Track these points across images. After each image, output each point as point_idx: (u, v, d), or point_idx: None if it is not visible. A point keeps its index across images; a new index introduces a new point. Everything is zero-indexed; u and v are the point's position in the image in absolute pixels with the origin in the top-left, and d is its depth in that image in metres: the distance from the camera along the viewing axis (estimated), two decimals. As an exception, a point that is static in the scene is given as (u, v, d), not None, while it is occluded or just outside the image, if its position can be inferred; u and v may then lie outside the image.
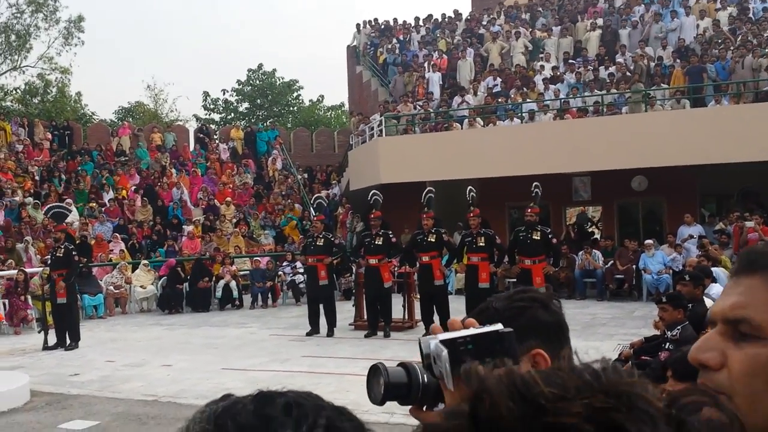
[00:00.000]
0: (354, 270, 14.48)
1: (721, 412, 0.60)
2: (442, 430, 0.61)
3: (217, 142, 25.43)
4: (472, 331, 1.01)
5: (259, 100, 38.08)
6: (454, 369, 0.97)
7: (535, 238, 11.17)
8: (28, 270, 14.69)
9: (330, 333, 11.97)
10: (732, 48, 17.36)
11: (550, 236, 11.37)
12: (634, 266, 14.99)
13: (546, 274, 11.11)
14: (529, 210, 11.38)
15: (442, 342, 0.99)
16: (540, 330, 1.34)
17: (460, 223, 18.72)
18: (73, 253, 11.75)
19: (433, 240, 11.67)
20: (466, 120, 18.70)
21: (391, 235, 12.18)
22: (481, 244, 11.29)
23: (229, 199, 20.89)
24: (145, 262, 16.69)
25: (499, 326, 1.02)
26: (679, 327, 6.05)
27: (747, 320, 0.90)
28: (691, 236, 15.01)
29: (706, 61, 17.45)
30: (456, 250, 12.22)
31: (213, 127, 31.37)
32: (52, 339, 11.62)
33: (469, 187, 11.87)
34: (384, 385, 1.11)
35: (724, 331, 0.93)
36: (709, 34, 18.85)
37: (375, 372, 1.14)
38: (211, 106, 38.35)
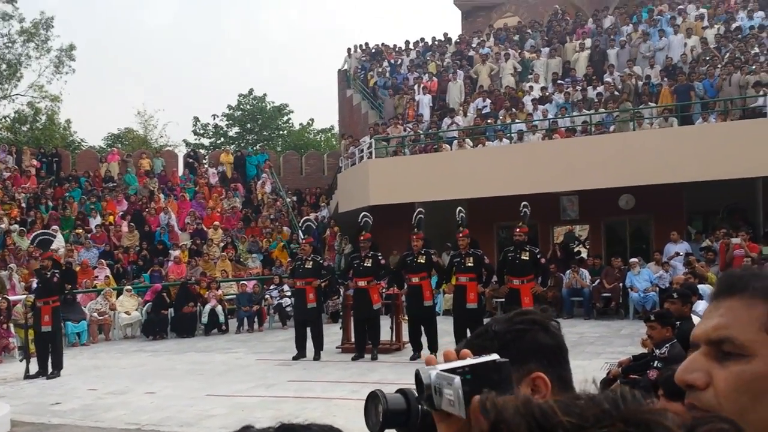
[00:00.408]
0: (342, 292, 14.34)
1: None
2: None
3: (206, 166, 25.38)
4: (469, 361, 1.00)
5: (249, 125, 38.16)
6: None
7: (524, 258, 11.10)
8: (12, 297, 14.49)
9: (317, 356, 11.82)
10: (719, 66, 17.45)
11: (538, 256, 11.31)
12: (620, 284, 14.95)
13: (534, 294, 11.00)
14: (517, 230, 11.31)
15: (445, 372, 0.98)
16: (540, 353, 1.32)
17: (449, 244, 18.66)
18: (55, 279, 11.60)
19: (422, 261, 11.60)
20: (456, 141, 18.71)
21: (380, 257, 12.11)
22: (469, 264, 11.19)
23: (216, 223, 20.77)
24: (128, 287, 16.51)
25: (495, 356, 1.01)
26: (667, 345, 5.97)
27: (730, 339, 0.95)
28: (678, 254, 14.98)
29: (693, 79, 17.53)
30: (445, 271, 12.11)
31: (203, 151, 31.36)
32: (34, 367, 11.42)
33: (459, 208, 11.82)
34: (383, 413, 1.09)
35: (707, 352, 0.97)
36: (696, 53, 18.96)
37: (373, 399, 1.11)
38: (201, 131, 38.40)
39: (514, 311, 1.42)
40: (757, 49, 17.67)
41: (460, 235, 11.39)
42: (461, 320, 11.03)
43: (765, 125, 15.08)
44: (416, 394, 1.04)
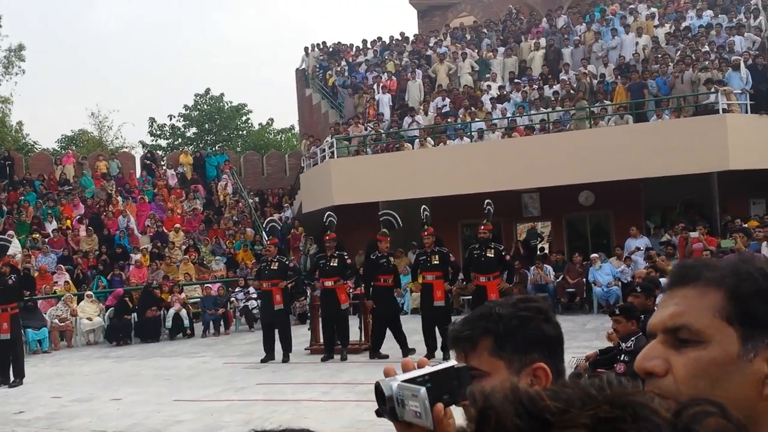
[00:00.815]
0: (309, 293, 14.32)
1: (728, 422, 0.58)
2: None
3: (164, 168, 25.02)
4: (428, 369, 1.01)
5: (207, 125, 37.66)
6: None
7: (489, 255, 11.24)
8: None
9: (285, 359, 11.78)
10: (671, 63, 17.91)
11: (503, 253, 11.49)
12: (584, 279, 15.24)
13: (501, 290, 11.17)
14: (482, 227, 11.46)
15: (405, 382, 0.98)
16: (543, 343, 1.31)
17: (414, 242, 18.76)
18: (11, 281, 11.33)
19: (437, 262, 11.39)
20: (417, 140, 18.82)
21: (346, 257, 12.11)
22: (435, 262, 11.30)
23: (177, 225, 20.51)
24: (90, 293, 16.21)
25: (453, 362, 1.04)
26: (633, 338, 6.11)
27: (686, 326, 0.98)
28: (638, 248, 15.34)
29: (647, 77, 17.95)
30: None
31: (160, 153, 30.87)
32: (-5, 377, 11.15)
33: (423, 206, 11.91)
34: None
35: (665, 340, 0.99)
36: (648, 51, 19.42)
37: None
38: (158, 132, 37.74)
39: (517, 297, 1.41)
40: (707, 47, 18.17)
41: (425, 233, 11.48)
42: (429, 318, 11.14)
43: (718, 121, 15.55)
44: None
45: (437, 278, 11.23)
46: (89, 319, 15.58)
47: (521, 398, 0.58)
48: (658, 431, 0.55)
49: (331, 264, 11.89)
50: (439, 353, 10.50)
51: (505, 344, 1.30)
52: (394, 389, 0.99)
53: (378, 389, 1.01)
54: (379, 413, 1.03)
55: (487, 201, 11.82)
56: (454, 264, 11.98)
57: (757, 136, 15.71)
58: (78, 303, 15.79)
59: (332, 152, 19.18)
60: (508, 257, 11.70)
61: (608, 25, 21.07)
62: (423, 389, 0.96)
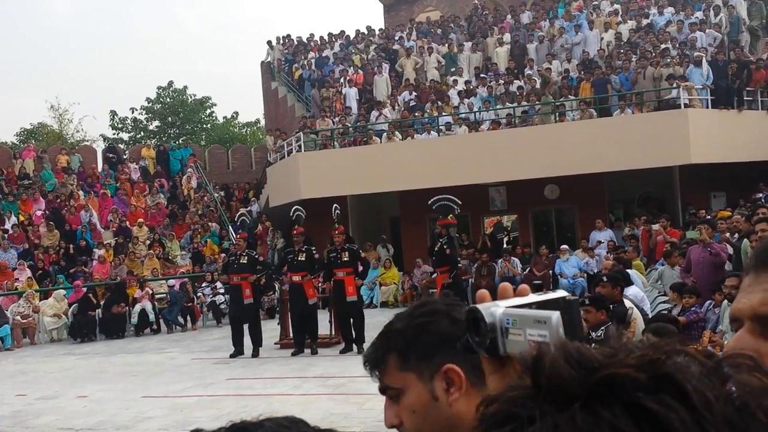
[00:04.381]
0: (278, 288, 14.26)
1: (762, 376, 0.60)
2: (506, 398, 0.61)
3: (127, 161, 24.61)
4: (536, 297, 0.87)
5: (170, 118, 37.16)
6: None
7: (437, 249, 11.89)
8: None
9: (255, 353, 11.72)
10: (634, 59, 18.21)
11: (445, 247, 11.84)
12: (550, 272, 15.44)
13: (444, 284, 11.58)
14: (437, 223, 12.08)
15: (514, 307, 0.84)
16: (447, 343, 1.20)
17: (384, 236, 18.84)
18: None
19: (347, 259, 11.79)
20: (385, 134, 18.82)
21: (314, 251, 12.11)
22: (345, 259, 11.69)
23: (141, 220, 20.19)
24: (60, 291, 15.87)
25: (563, 293, 0.87)
26: (602, 328, 6.22)
27: None
28: (599, 242, 15.59)
29: (610, 72, 18.22)
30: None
31: (122, 146, 30.36)
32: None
33: (335, 205, 12.30)
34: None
35: (753, 330, 0.92)
36: (611, 47, 19.71)
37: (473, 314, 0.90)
38: (120, 126, 37.13)
39: (414, 304, 1.35)
40: (669, 44, 18.51)
41: (336, 231, 11.86)
42: (342, 313, 11.64)
43: (680, 116, 15.87)
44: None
45: (348, 274, 11.62)
46: (57, 316, 15.27)
47: (569, 350, 0.61)
48: (699, 373, 0.58)
49: (299, 258, 11.89)
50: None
51: (409, 356, 1.25)
52: (498, 316, 0.83)
53: (475, 315, 0.84)
54: (466, 347, 0.87)
55: (437, 197, 12.12)
56: (364, 260, 12.57)
57: (717, 130, 16.08)
58: (40, 300, 15.47)
59: (299, 146, 19.09)
60: (449, 251, 11.99)
61: (572, 21, 21.34)
62: (557, 314, 0.78)
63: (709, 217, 12.25)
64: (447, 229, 12.04)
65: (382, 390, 1.27)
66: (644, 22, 20.73)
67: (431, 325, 1.26)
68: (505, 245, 19.22)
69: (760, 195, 14.40)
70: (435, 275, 12.58)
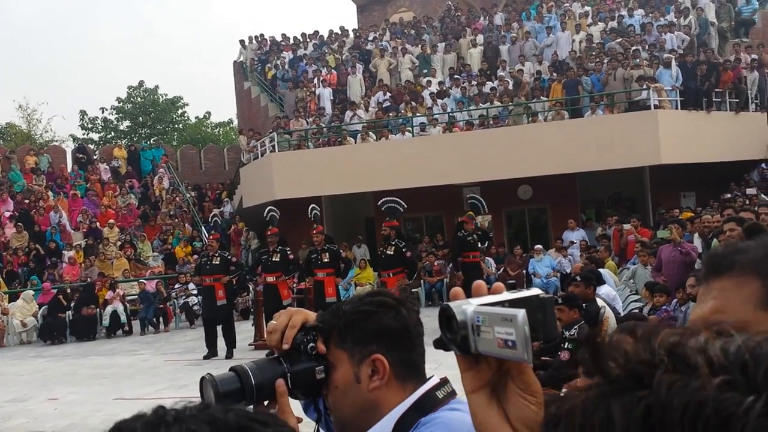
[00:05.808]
0: (252, 288, 14.18)
1: None
2: (581, 400, 0.56)
3: (97, 162, 24.28)
4: (507, 295, 0.85)
5: (141, 118, 36.74)
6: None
7: (389, 252, 11.86)
8: None
9: (229, 355, 11.62)
10: (606, 61, 18.42)
11: (404, 250, 11.93)
12: (524, 271, 15.55)
13: (400, 285, 11.66)
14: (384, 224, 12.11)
15: (483, 306, 0.83)
16: (383, 335, 1.34)
17: (360, 237, 18.81)
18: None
19: (327, 259, 11.82)
20: (359, 134, 18.82)
21: (288, 252, 12.07)
22: (326, 260, 11.73)
23: (112, 221, 19.93)
24: (30, 292, 15.60)
25: (537, 291, 0.87)
26: (575, 326, 6.29)
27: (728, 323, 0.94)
28: (572, 242, 15.75)
29: (581, 74, 18.42)
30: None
31: (92, 147, 29.94)
32: None
33: (312, 205, 12.27)
34: (215, 396, 1.11)
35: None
36: (583, 48, 19.92)
37: (204, 384, 1.13)
38: (90, 126, 36.62)
39: (367, 293, 1.46)
40: (639, 46, 18.76)
41: (314, 231, 11.87)
42: None
43: (650, 117, 16.09)
44: (248, 370, 0.93)
45: (328, 275, 11.67)
46: (23, 323, 15.00)
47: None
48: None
49: (273, 259, 11.86)
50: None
51: (347, 337, 1.35)
52: (470, 314, 0.82)
53: (446, 313, 0.85)
54: (440, 344, 0.87)
55: (384, 199, 12.18)
56: (345, 259, 12.60)
57: (687, 131, 16.33)
58: (9, 302, 15.20)
59: (273, 146, 18.99)
60: (409, 254, 12.10)
61: (544, 23, 21.52)
62: (522, 312, 0.76)
63: (679, 216, 12.43)
64: (395, 230, 12.14)
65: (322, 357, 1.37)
66: (609, 25, 20.96)
67: (375, 315, 1.35)
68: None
69: (728, 195, 14.66)
70: (384, 277, 12.60)
